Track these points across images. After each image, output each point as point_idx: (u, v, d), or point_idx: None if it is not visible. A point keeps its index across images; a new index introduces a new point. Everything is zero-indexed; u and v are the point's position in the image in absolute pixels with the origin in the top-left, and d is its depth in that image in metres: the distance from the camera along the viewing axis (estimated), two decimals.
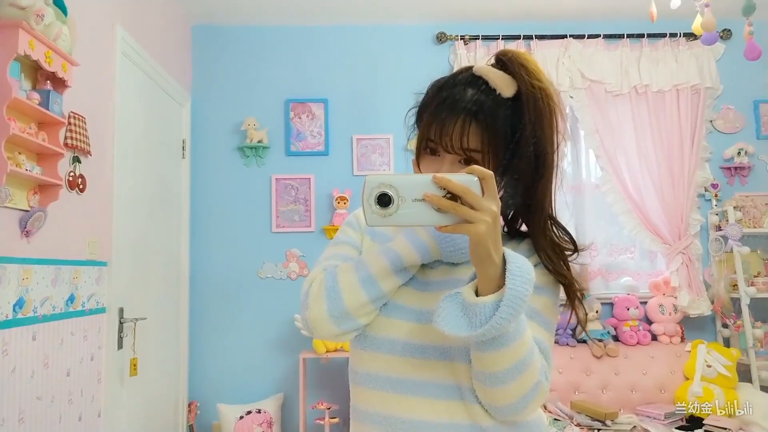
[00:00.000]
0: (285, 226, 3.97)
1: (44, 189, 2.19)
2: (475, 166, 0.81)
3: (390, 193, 0.81)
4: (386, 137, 4.05)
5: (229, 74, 4.10)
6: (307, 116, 4.07)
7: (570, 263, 0.98)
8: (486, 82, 0.95)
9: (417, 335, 0.96)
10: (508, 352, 0.84)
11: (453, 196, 0.80)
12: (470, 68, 0.99)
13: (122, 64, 2.89)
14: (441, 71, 4.11)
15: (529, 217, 0.99)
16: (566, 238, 1.00)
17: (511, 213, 1.03)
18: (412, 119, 1.04)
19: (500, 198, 0.83)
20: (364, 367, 1.00)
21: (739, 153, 4.05)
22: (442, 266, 1.01)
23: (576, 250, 0.99)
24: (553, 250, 0.97)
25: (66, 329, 2.32)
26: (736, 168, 4.08)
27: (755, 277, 3.86)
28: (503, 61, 0.97)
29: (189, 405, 3.74)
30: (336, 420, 3.57)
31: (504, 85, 0.94)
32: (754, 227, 3.87)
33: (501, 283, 0.82)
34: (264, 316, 3.91)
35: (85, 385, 2.47)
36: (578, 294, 0.97)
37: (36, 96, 2.07)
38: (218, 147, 4.03)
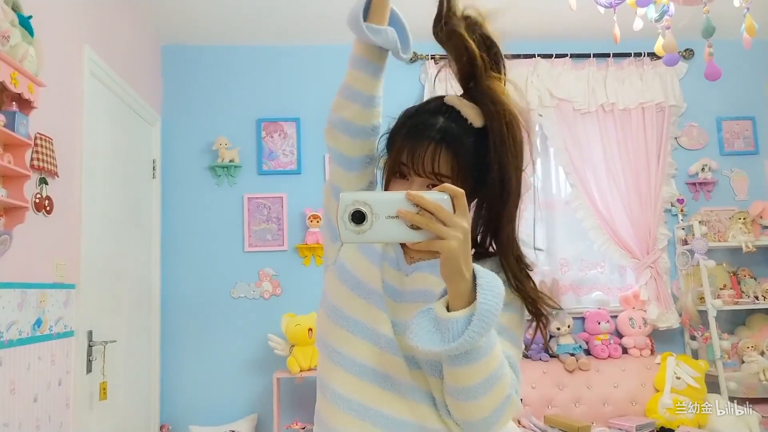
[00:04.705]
0: (257, 245, 3.95)
1: (9, 211, 2.15)
2: (447, 185, 0.83)
3: (364, 210, 0.82)
4: None
5: (200, 94, 4.08)
6: (279, 135, 4.06)
7: (542, 281, 1.00)
8: (458, 111, 0.98)
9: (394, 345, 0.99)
10: (479, 367, 0.85)
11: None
12: (441, 98, 1.02)
13: (90, 85, 2.87)
14: (412, 90, 4.11)
15: (497, 239, 1.01)
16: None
17: (479, 236, 1.05)
18: (382, 144, 1.07)
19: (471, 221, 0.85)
20: (335, 383, 1.00)
21: (703, 169, 4.15)
22: (416, 273, 1.03)
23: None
24: (519, 270, 0.98)
25: (33, 354, 2.27)
26: (700, 183, 4.18)
27: (721, 289, 3.94)
28: (471, 91, 1.00)
29: (161, 428, 3.67)
30: None
31: (474, 115, 0.98)
32: (719, 241, 3.96)
33: (471, 299, 0.83)
34: (237, 337, 3.86)
35: (53, 411, 2.41)
36: (543, 312, 0.99)
37: (1, 118, 2.04)
38: (189, 167, 4.00)
